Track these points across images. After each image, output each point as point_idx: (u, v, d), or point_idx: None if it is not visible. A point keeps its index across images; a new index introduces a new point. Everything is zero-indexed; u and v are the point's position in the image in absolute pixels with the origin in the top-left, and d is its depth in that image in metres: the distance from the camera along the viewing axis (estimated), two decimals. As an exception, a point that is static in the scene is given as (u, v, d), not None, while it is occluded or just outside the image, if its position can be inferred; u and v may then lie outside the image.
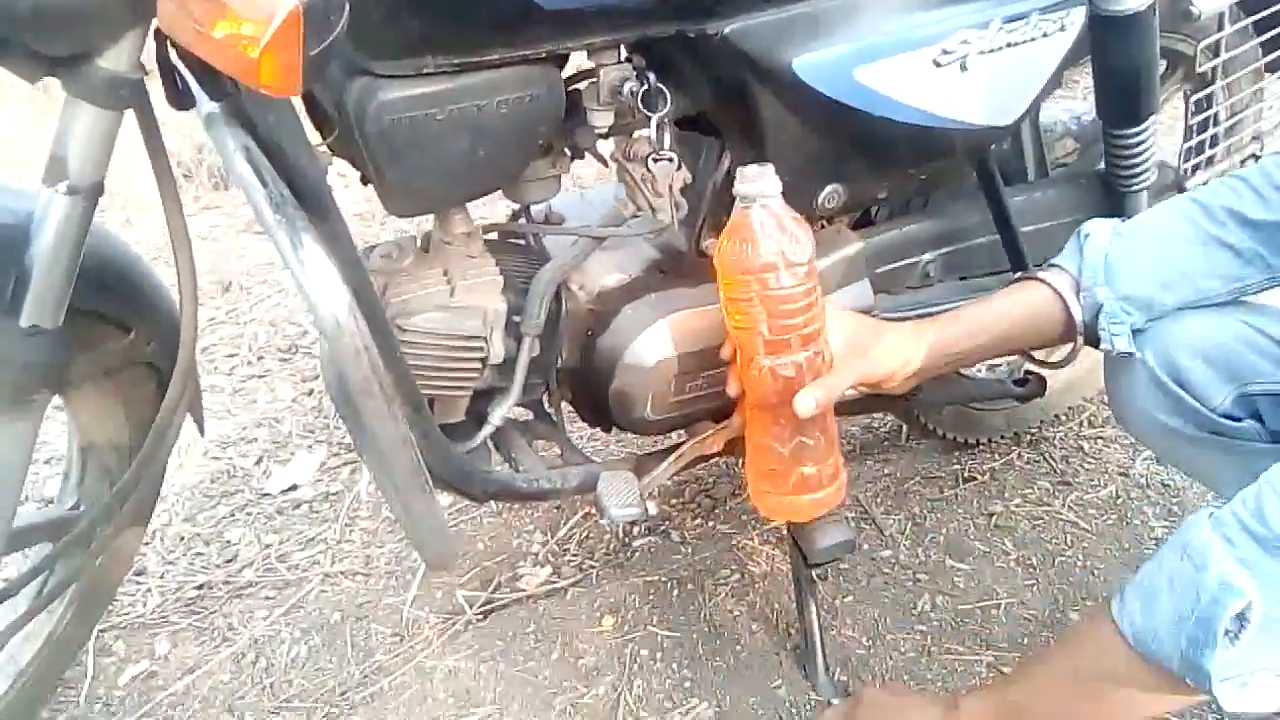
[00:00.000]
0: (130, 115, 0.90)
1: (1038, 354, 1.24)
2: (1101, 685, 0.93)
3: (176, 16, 0.73)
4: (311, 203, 0.92)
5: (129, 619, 1.55)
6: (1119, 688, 0.92)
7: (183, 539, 1.71)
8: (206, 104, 0.95)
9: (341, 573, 1.62)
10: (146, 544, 1.67)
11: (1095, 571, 1.53)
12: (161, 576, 1.63)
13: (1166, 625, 0.87)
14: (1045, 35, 1.16)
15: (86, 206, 0.91)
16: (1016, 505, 1.67)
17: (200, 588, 1.61)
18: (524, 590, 1.57)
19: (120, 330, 1.14)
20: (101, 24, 0.80)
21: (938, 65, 1.11)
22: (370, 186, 1.09)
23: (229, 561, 1.66)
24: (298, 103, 0.94)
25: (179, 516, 1.76)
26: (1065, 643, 1.02)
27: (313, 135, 0.99)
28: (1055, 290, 1.10)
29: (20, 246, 0.92)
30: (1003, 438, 1.79)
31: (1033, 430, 1.81)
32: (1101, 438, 1.79)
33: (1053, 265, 1.12)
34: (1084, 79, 1.46)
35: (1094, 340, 1.10)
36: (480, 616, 1.52)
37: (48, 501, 1.71)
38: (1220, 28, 1.38)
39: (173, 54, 0.90)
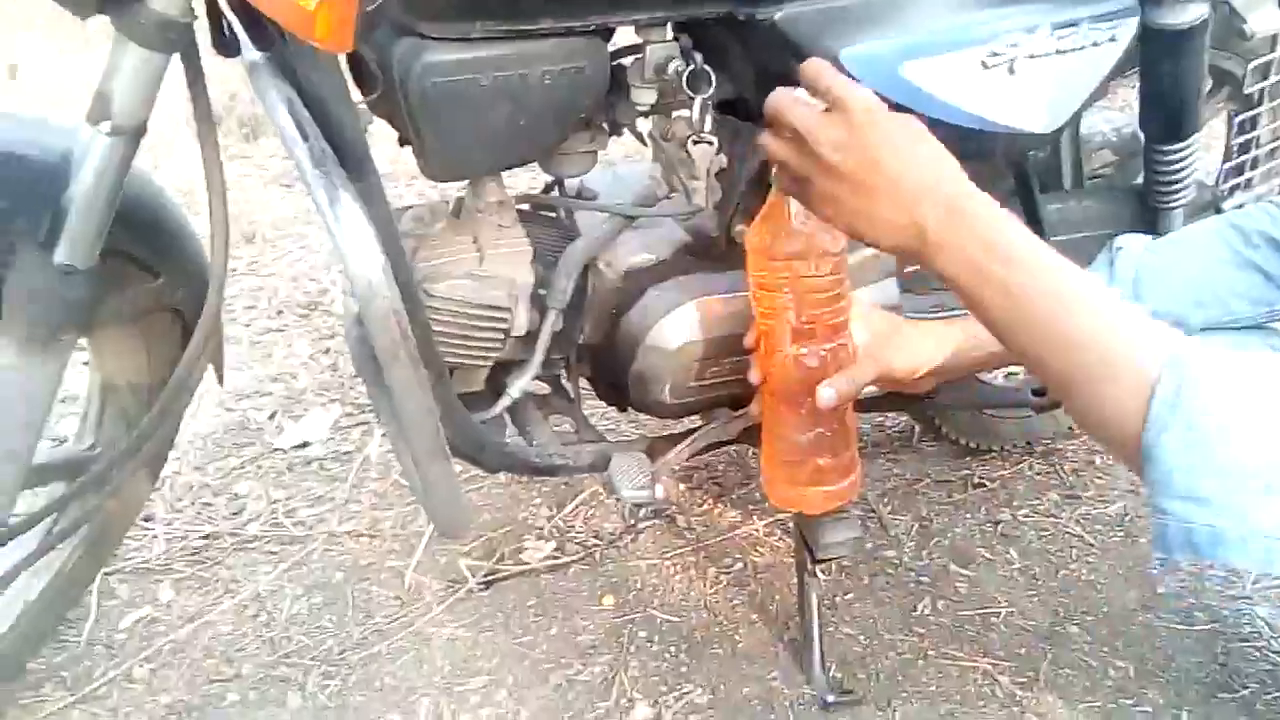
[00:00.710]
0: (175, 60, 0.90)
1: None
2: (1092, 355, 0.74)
3: (233, -38, 0.73)
4: (350, 160, 0.92)
5: (134, 564, 1.56)
6: (1098, 378, 0.74)
7: (191, 488, 1.72)
8: (251, 53, 0.95)
9: (347, 533, 1.63)
10: (155, 491, 1.67)
11: (1098, 587, 1.52)
12: (169, 524, 1.64)
13: (1183, 484, 0.69)
14: (1095, 44, 1.15)
15: (128, 147, 0.91)
16: (1024, 515, 1.67)
17: (206, 538, 1.61)
18: (527, 564, 1.57)
19: (149, 274, 1.14)
20: (157, -35, 0.80)
21: (985, 67, 1.10)
22: (400, 149, 1.09)
23: (236, 514, 1.67)
24: (341, 59, 0.94)
25: (189, 465, 1.77)
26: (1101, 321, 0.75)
27: (354, 93, 0.99)
28: None
29: (58, 183, 0.92)
30: (1015, 447, 1.78)
31: (1046, 441, 1.80)
32: (1114, 454, 1.78)
33: None
34: (1123, 91, 1.45)
35: None
36: (482, 586, 1.53)
37: (59, 440, 1.71)
38: (1272, 49, 1.37)
39: (222, 1, 0.90)
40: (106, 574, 1.51)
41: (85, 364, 1.35)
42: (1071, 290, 0.76)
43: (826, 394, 1.04)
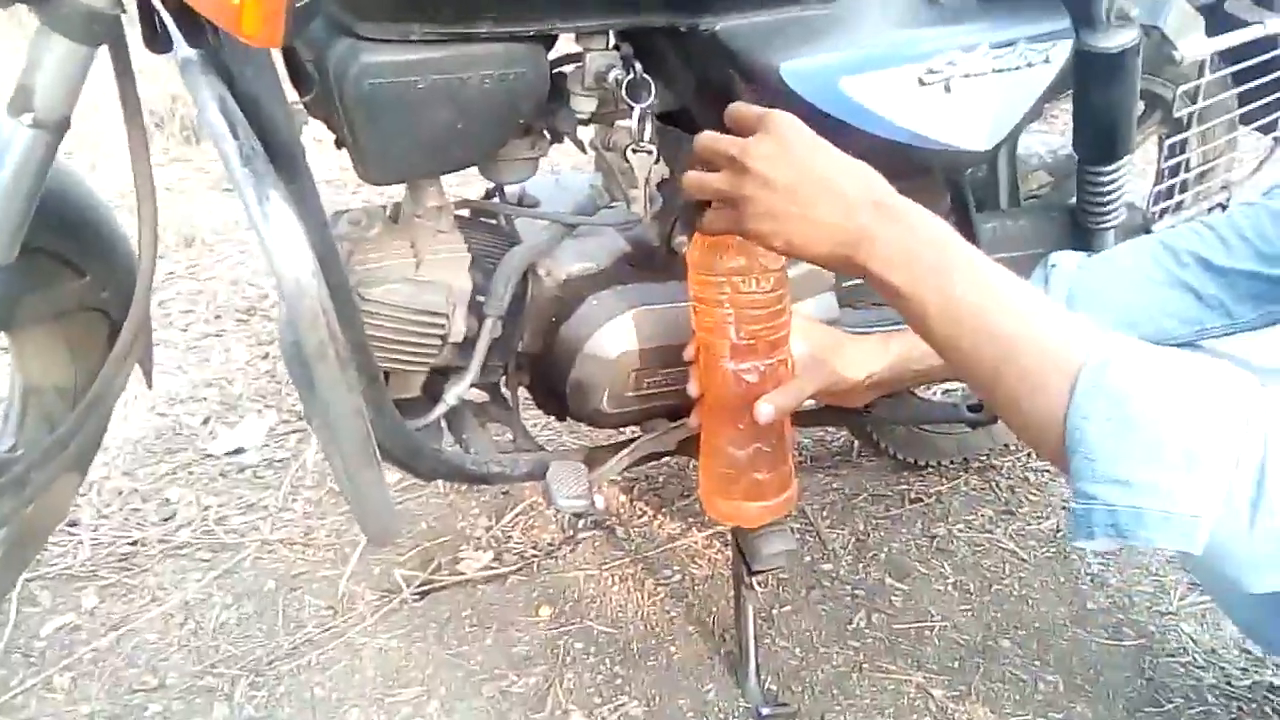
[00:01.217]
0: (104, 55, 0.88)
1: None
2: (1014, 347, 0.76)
3: (159, -47, 0.72)
4: (282, 160, 0.90)
5: (57, 570, 1.52)
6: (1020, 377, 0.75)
7: (120, 493, 1.68)
8: (183, 49, 0.93)
9: (280, 541, 1.60)
10: (82, 495, 1.64)
11: (1030, 601, 1.54)
12: (95, 529, 1.60)
13: (1105, 468, 0.71)
14: (1030, 65, 1.17)
15: (50, 141, 0.89)
16: (959, 530, 1.69)
17: (134, 544, 1.58)
18: (463, 574, 1.55)
19: (75, 273, 1.12)
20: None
21: (922, 84, 1.11)
22: (339, 149, 1.07)
23: (166, 520, 1.64)
24: (277, 58, 0.93)
25: (118, 470, 1.73)
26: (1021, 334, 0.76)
27: (290, 93, 0.98)
28: None
29: (-23, 178, 0.90)
30: (952, 462, 1.80)
31: (982, 457, 1.82)
32: (1048, 470, 1.81)
33: None
34: (1062, 114, 1.48)
35: None
36: (417, 596, 1.51)
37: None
38: (1200, 74, 1.40)
39: (153, -5, 0.89)
40: (28, 580, 1.48)
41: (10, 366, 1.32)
42: (1000, 286, 0.78)
43: (765, 410, 1.04)
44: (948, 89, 1.12)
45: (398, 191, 1.19)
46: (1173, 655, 1.45)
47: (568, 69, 1.09)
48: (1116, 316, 1.09)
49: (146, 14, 0.90)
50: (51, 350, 1.19)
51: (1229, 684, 1.41)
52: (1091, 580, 1.58)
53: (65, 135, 0.91)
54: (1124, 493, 0.70)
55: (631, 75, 1.04)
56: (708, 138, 0.90)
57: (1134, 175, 1.41)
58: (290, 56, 1.01)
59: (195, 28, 0.90)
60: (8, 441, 1.25)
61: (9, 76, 0.89)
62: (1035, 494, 1.77)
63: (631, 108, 1.04)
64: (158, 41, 0.92)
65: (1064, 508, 1.73)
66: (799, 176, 0.84)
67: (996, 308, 0.77)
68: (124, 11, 0.85)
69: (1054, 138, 1.63)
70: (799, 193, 0.84)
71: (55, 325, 1.17)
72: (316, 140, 1.38)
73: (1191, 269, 1.09)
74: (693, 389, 1.11)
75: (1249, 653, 1.45)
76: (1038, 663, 1.44)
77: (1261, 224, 1.06)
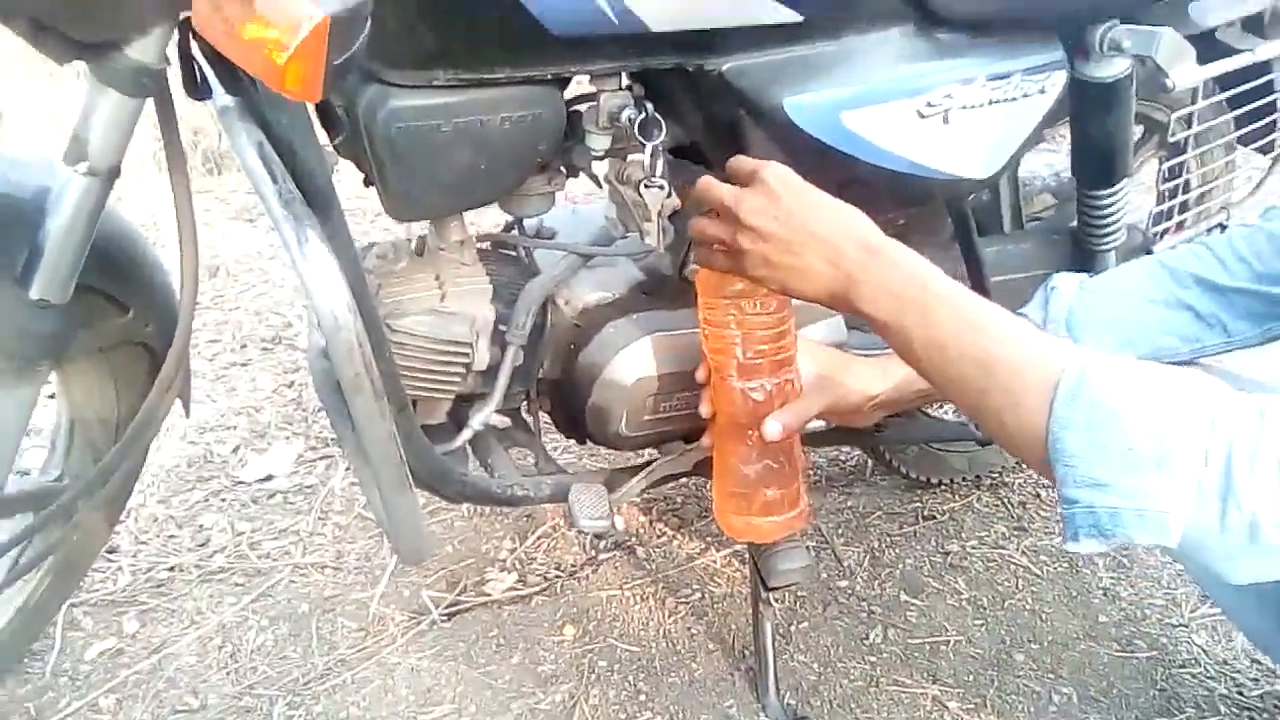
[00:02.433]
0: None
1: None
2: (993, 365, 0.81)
3: (209, 15, 0.77)
4: (317, 201, 0.95)
5: (99, 596, 1.57)
6: (1001, 391, 0.80)
7: (156, 520, 1.74)
8: (221, 96, 0.98)
9: (311, 565, 1.65)
10: (121, 523, 1.68)
11: (1043, 615, 1.57)
12: (134, 556, 1.65)
13: (1085, 472, 0.75)
14: (1026, 95, 1.21)
15: (103, 188, 0.94)
16: (972, 546, 1.72)
17: (171, 570, 1.63)
18: (489, 595, 1.60)
19: (119, 309, 1.17)
20: (134, 17, 0.84)
21: (921, 116, 1.15)
22: (367, 187, 1.13)
23: (201, 546, 1.69)
24: (309, 104, 0.98)
25: (154, 498, 1.78)
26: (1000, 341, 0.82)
27: (321, 136, 1.03)
28: None
29: (33, 220, 0.95)
30: (964, 480, 1.83)
31: (993, 474, 1.86)
32: (1060, 487, 1.84)
33: (1019, 315, 1.17)
34: (1067, 136, 1.52)
35: None
36: (445, 617, 1.55)
37: (23, 473, 1.72)
38: (1194, 100, 1.44)
39: (194, 46, 0.94)
40: (71, 606, 1.53)
41: (51, 397, 1.37)
42: (979, 314, 0.84)
43: (773, 427, 1.08)
44: (946, 120, 1.16)
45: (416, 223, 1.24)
46: (1184, 666, 1.48)
47: (582, 108, 1.14)
48: (1116, 335, 1.13)
49: (187, 64, 0.96)
50: (96, 383, 1.25)
51: (1240, 694, 1.43)
52: (1104, 594, 1.61)
53: (116, 181, 0.96)
54: (1102, 494, 0.75)
55: (643, 114, 1.08)
56: (705, 185, 0.97)
57: (1136, 195, 1.44)
58: (321, 102, 1.06)
59: (233, 77, 0.96)
60: (54, 471, 1.31)
61: (49, 122, 0.94)
62: (1046, 510, 1.80)
63: (643, 145, 1.09)
64: (197, 89, 0.97)
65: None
66: (788, 228, 0.92)
67: (976, 334, 0.83)
68: (169, 65, 0.91)
69: (1058, 158, 1.67)
70: (789, 243, 0.92)
71: (100, 359, 1.22)
72: (334, 171, 1.44)
73: (1192, 290, 1.13)
74: (704, 409, 1.16)
75: (1260, 663, 1.47)
76: (1051, 675, 1.47)
77: (1259, 245, 1.10)
